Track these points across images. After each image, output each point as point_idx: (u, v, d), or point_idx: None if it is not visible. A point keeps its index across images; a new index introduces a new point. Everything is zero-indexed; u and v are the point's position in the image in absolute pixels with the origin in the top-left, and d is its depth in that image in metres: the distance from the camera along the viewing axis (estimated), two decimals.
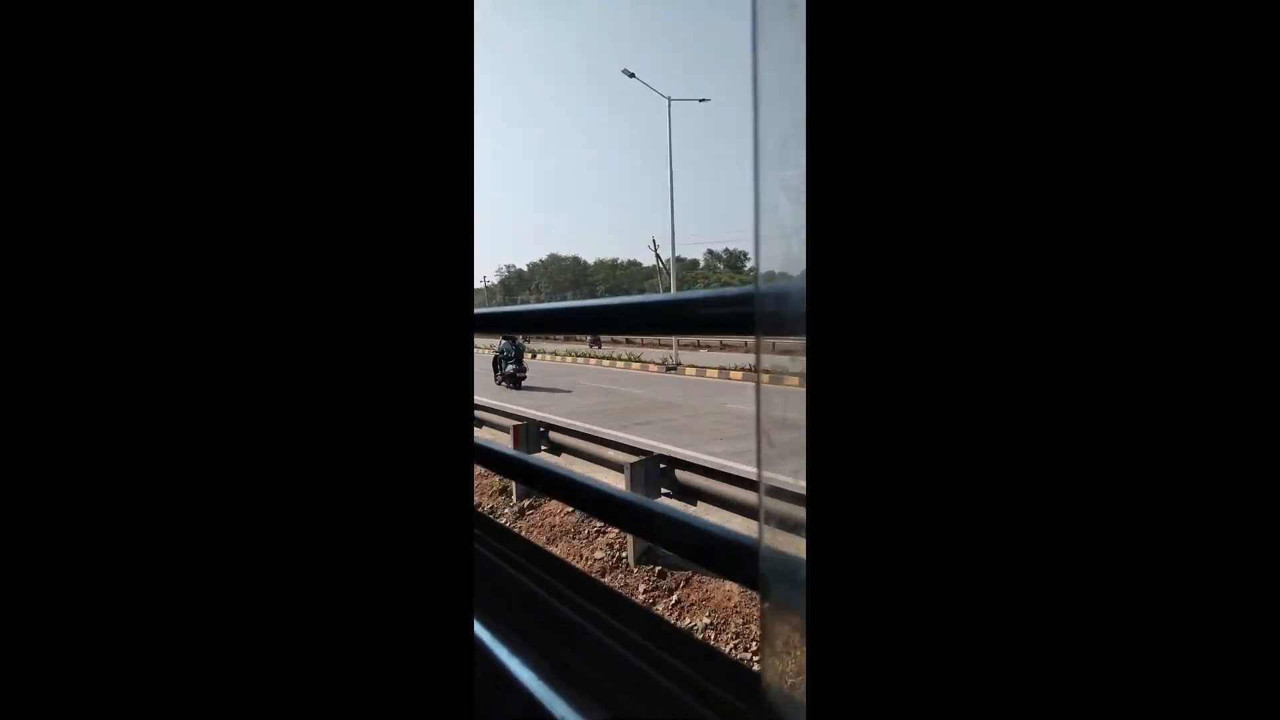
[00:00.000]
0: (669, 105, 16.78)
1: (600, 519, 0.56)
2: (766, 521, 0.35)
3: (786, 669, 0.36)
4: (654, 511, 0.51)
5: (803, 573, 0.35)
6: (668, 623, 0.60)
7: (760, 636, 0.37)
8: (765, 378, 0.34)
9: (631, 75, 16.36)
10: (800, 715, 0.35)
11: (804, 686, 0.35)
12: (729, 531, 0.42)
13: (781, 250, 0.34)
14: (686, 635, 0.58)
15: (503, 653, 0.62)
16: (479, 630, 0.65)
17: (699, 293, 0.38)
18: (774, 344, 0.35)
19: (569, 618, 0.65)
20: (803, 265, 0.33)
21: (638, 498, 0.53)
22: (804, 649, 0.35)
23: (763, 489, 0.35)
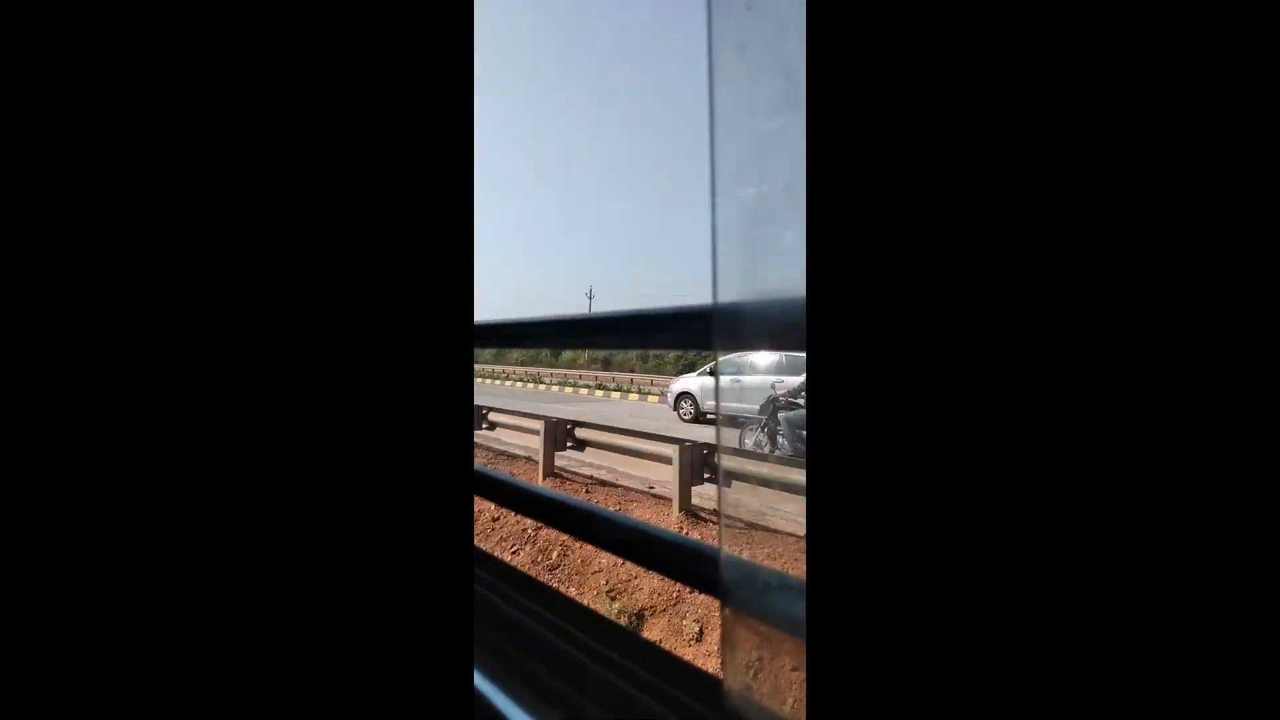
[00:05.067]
0: None
1: (592, 542, 0.56)
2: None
3: (746, 672, 0.37)
4: (633, 527, 0.52)
5: (760, 577, 0.36)
6: (679, 658, 0.60)
7: (721, 641, 0.38)
8: (720, 391, 0.36)
9: None
10: (759, 716, 0.36)
11: (759, 688, 0.36)
12: (692, 541, 0.43)
13: (737, 267, 0.36)
14: (663, 651, 0.59)
15: (500, 696, 0.61)
16: (477, 670, 0.63)
17: (660, 309, 0.40)
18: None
19: (570, 654, 0.65)
20: (757, 283, 0.35)
21: (624, 518, 0.54)
22: (763, 653, 0.36)
23: (722, 499, 0.36)
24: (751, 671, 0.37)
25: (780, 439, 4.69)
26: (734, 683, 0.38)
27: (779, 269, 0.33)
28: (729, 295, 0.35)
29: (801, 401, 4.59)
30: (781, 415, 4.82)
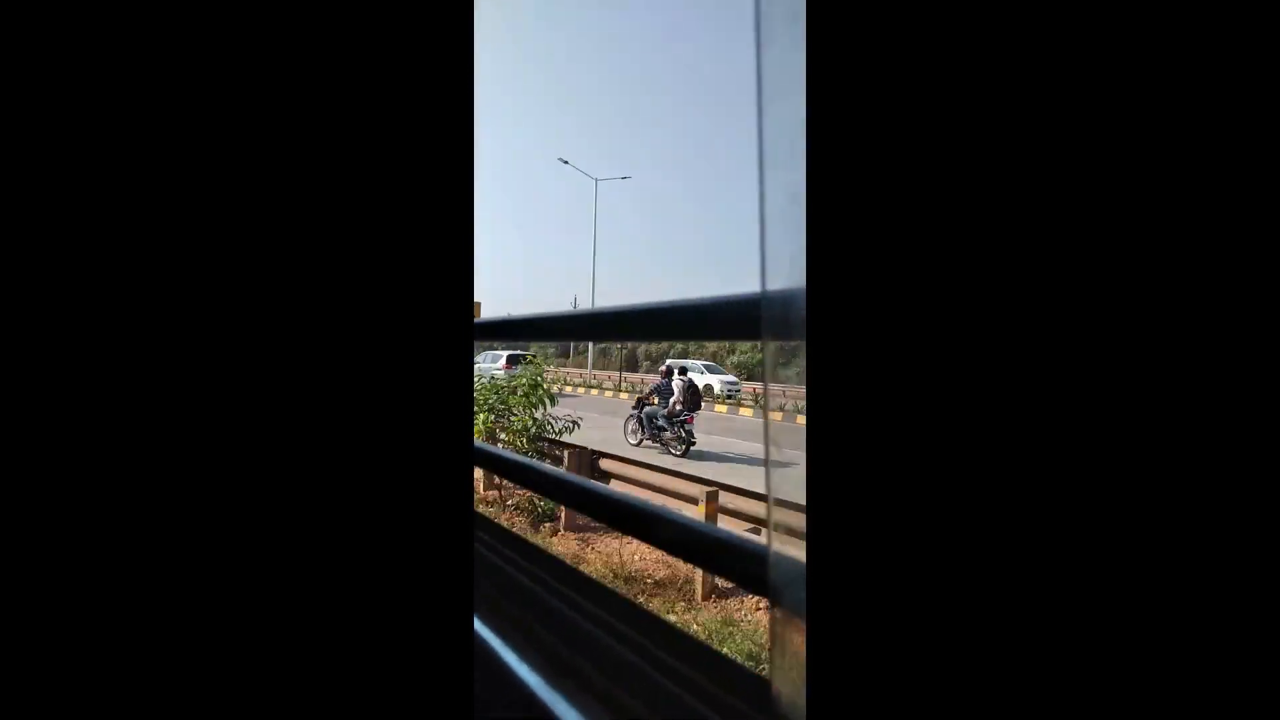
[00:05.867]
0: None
1: (609, 524, 0.56)
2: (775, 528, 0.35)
3: (797, 675, 0.35)
4: (661, 516, 0.51)
5: None
6: (670, 623, 0.60)
7: (769, 642, 0.37)
8: (773, 385, 0.34)
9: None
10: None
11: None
12: (738, 536, 0.42)
13: (787, 253, 0.34)
14: (690, 637, 0.58)
15: (504, 651, 0.62)
16: (481, 630, 0.65)
17: (706, 298, 0.38)
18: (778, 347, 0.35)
19: (570, 617, 0.65)
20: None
21: (644, 503, 0.53)
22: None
23: (771, 493, 0.34)
24: (800, 672, 0.36)
25: (643, 426, 7.73)
26: (784, 685, 0.37)
27: None
28: (779, 282, 0.33)
29: (654, 401, 7.78)
30: (646, 410, 7.79)
